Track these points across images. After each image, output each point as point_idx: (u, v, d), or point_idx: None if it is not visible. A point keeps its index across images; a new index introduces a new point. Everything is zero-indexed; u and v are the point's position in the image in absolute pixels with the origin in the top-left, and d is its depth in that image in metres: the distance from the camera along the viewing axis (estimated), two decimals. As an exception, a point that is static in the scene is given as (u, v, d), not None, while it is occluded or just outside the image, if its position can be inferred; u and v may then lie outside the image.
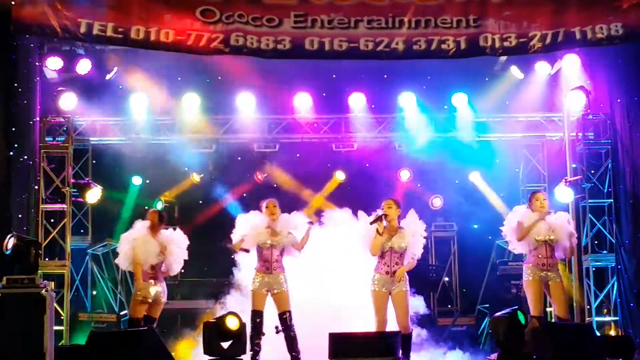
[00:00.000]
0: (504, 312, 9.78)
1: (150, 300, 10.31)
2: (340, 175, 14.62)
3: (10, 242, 9.20)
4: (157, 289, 10.37)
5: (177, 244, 10.63)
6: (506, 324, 9.53)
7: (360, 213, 10.35)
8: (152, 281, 10.34)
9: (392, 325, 9.81)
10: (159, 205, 13.89)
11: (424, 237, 10.02)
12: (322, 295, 11.24)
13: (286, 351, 10.13)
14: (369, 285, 9.88)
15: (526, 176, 14.85)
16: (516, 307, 9.73)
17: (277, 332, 10.01)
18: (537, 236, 10.18)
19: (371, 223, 9.76)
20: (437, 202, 14.66)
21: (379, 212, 9.86)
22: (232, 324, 9.50)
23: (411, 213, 10.11)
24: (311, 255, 10.84)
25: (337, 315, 10.97)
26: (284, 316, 10.05)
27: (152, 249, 10.38)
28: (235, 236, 10.28)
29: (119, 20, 10.80)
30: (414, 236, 9.87)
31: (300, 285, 10.83)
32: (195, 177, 14.52)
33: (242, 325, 9.61)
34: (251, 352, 9.83)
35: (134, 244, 10.37)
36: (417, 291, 10.96)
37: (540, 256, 10.18)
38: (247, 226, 10.23)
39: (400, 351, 9.59)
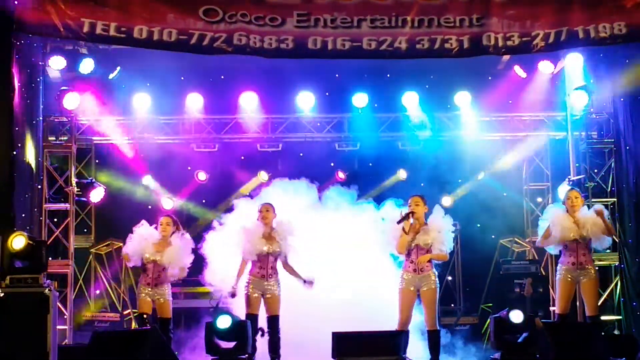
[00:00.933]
0: (500, 312, 9.80)
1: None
2: (340, 175, 14.57)
3: (19, 241, 9.19)
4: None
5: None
6: (495, 324, 9.56)
7: (386, 209, 10.31)
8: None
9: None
10: (167, 205, 13.96)
11: (452, 232, 9.96)
12: (325, 293, 11.24)
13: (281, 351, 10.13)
14: (398, 283, 9.83)
15: (529, 175, 14.85)
16: (507, 307, 9.76)
17: (262, 335, 9.96)
18: (567, 235, 10.15)
19: (398, 222, 9.71)
20: (447, 201, 14.63)
21: (406, 209, 9.83)
22: (222, 323, 9.48)
23: (437, 209, 10.05)
24: (313, 251, 10.88)
25: (340, 313, 10.98)
26: (274, 320, 10.03)
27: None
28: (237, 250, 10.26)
29: (122, 19, 10.78)
30: (439, 232, 9.78)
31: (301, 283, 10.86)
32: (201, 176, 14.52)
33: (238, 325, 9.56)
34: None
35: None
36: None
37: (572, 256, 10.17)
38: (243, 237, 10.19)
39: (429, 348, 9.65)
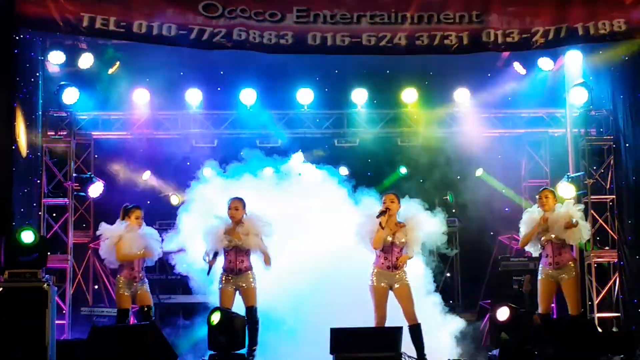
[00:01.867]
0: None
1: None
2: (342, 171, 14.50)
3: (29, 235, 9.23)
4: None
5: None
6: (491, 322, 9.60)
7: (362, 207, 10.35)
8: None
9: (391, 322, 9.80)
10: (175, 202, 13.96)
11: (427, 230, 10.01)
12: (322, 289, 11.24)
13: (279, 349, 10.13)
14: (368, 280, 9.88)
15: (528, 172, 14.85)
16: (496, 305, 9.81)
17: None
18: (541, 237, 10.24)
19: (378, 216, 9.75)
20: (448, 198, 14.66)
21: (382, 206, 9.87)
22: (214, 319, 9.48)
23: (411, 207, 10.13)
24: (309, 246, 10.89)
25: (337, 309, 10.97)
26: (251, 311, 9.98)
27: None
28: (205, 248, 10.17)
29: (122, 14, 10.80)
30: (414, 231, 9.86)
31: (300, 279, 10.87)
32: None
33: (231, 320, 9.56)
34: None
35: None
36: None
37: (548, 256, 10.26)
38: (208, 232, 10.14)
39: (413, 344, 9.64)
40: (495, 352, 9.71)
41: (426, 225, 10.01)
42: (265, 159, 12.70)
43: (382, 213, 9.76)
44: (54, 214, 12.74)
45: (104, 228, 10.69)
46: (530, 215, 10.50)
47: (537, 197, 10.55)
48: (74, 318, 12.48)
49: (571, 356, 9.18)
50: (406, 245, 9.82)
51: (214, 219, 10.25)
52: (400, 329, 9.39)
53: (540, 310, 10.33)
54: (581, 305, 10.49)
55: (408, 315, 9.74)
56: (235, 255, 10.08)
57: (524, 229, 10.47)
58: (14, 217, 11.06)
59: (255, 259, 10.19)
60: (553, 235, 10.24)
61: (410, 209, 10.10)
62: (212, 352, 9.50)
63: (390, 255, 9.79)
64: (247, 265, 10.13)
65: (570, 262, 10.30)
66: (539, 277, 10.39)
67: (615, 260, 12.45)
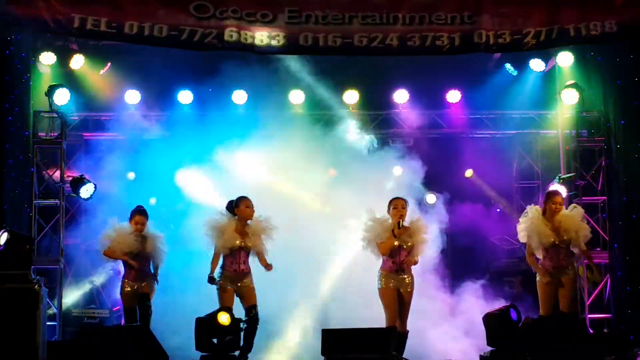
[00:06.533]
0: (496, 309, 9.83)
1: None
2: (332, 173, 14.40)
3: (3, 237, 9.20)
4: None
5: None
6: (497, 321, 9.58)
7: (369, 210, 10.34)
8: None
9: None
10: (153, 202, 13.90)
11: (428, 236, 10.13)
12: (316, 289, 11.25)
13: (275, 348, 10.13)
14: (376, 283, 9.97)
15: (520, 173, 14.85)
16: (509, 304, 9.79)
17: (242, 328, 9.88)
18: (546, 241, 10.23)
19: (399, 228, 9.89)
20: (430, 199, 14.65)
21: (392, 211, 10.00)
22: (224, 319, 9.47)
23: (415, 212, 10.34)
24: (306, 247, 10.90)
25: (333, 310, 10.99)
26: (253, 310, 10.00)
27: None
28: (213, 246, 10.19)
29: (113, 15, 10.75)
30: (419, 234, 9.99)
31: (294, 281, 10.86)
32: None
33: (235, 321, 9.57)
34: None
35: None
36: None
37: (552, 259, 10.26)
38: (216, 232, 10.16)
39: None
40: (487, 352, 9.71)
41: (427, 228, 10.11)
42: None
43: (398, 222, 9.92)
44: (46, 215, 12.68)
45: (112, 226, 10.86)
46: (533, 220, 10.42)
47: (549, 202, 10.47)
48: (64, 319, 12.44)
49: (563, 358, 9.19)
50: (413, 248, 9.92)
51: (220, 215, 10.23)
52: (393, 329, 9.41)
53: (541, 313, 10.33)
54: (575, 305, 10.48)
55: (401, 321, 9.86)
56: (239, 256, 10.07)
57: (536, 239, 10.37)
58: (5, 218, 11.03)
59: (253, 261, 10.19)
60: (559, 239, 10.25)
61: (413, 214, 10.24)
62: (205, 354, 9.48)
63: (397, 258, 9.91)
64: (248, 266, 10.16)
65: (571, 265, 10.33)
66: (540, 280, 10.34)
67: (607, 261, 12.47)
